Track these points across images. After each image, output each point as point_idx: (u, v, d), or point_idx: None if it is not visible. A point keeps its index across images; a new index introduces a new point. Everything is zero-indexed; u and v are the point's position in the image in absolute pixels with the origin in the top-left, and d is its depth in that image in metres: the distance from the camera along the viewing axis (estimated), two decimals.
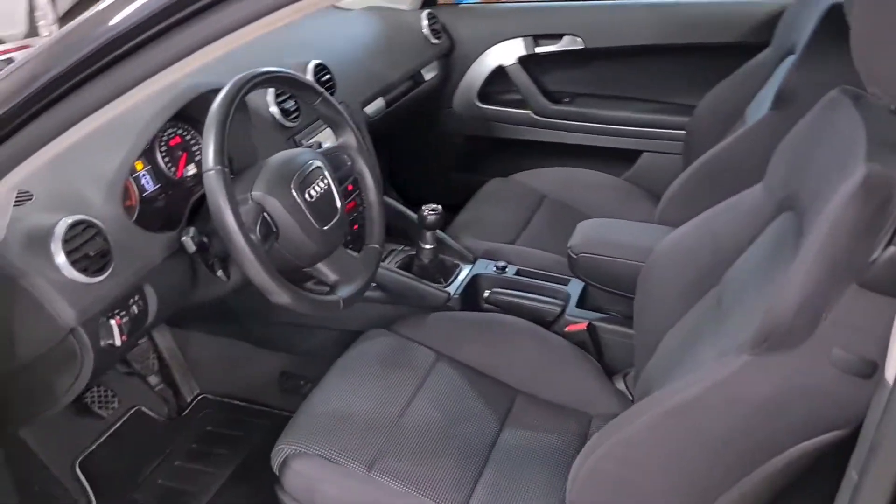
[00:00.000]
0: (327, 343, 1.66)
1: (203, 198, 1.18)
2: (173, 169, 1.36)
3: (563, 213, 2.00)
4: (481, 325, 1.53)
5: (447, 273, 1.70)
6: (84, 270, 1.02)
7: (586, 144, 2.27)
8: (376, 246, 1.35)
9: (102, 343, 1.08)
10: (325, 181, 1.24)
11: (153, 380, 1.75)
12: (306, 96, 1.31)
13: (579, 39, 2.17)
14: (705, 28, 2.04)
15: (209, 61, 1.55)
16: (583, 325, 1.49)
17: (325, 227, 1.22)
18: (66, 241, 1.01)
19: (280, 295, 1.11)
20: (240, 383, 1.84)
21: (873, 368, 0.74)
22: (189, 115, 1.34)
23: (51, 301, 1.00)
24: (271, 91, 1.50)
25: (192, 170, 1.40)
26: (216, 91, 1.14)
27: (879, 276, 0.71)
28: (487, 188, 2.10)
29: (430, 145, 2.47)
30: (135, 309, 1.13)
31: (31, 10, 2.25)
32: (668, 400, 0.88)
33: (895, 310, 0.70)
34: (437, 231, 1.69)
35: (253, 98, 1.46)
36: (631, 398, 1.40)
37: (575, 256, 1.48)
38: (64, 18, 2.28)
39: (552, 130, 2.28)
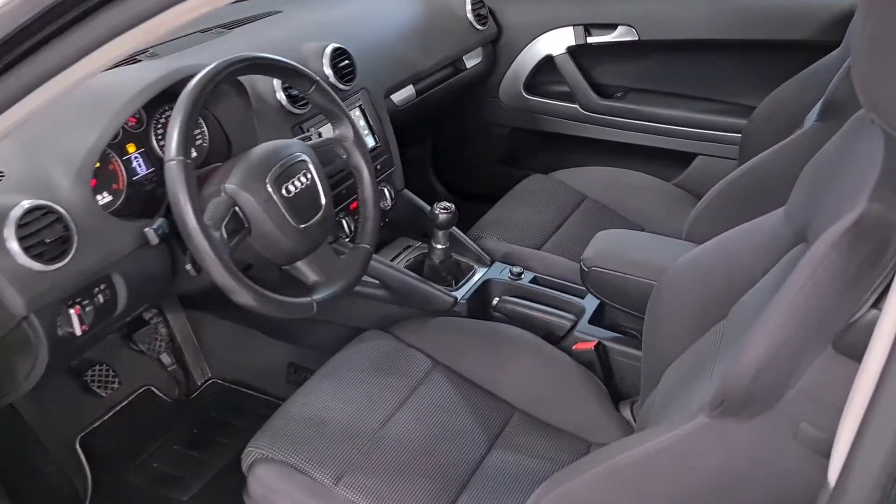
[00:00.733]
0: (332, 337, 1.61)
1: None
2: None
3: (601, 216, 1.87)
4: (484, 335, 1.44)
5: (460, 275, 1.61)
6: (39, 257, 0.99)
7: (635, 144, 2.11)
8: (366, 246, 1.28)
9: (60, 332, 1.05)
10: (309, 175, 1.17)
11: (166, 359, 1.75)
12: (299, 84, 1.24)
13: (634, 31, 2.02)
14: (771, 23, 1.85)
15: (208, 43, 1.50)
16: (591, 345, 1.38)
17: (304, 225, 1.15)
18: (21, 227, 0.98)
19: (241, 294, 1.05)
20: (250, 371, 1.82)
21: None
22: None
23: (1, 288, 0.97)
24: None
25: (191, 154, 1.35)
26: None
27: (859, 340, 0.58)
28: (524, 185, 1.99)
29: (474, 135, 2.37)
30: (100, 298, 1.10)
31: None
32: (623, 453, 0.78)
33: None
34: (454, 229, 1.61)
35: (258, 82, 1.40)
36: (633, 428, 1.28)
37: (587, 269, 1.36)
38: None
39: (599, 127, 2.14)
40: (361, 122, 1.62)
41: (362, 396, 1.28)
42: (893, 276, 0.57)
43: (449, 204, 1.51)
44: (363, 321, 1.56)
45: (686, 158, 2.05)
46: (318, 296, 1.15)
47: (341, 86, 1.55)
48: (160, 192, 1.28)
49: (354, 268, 1.24)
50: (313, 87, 1.24)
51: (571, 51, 2.12)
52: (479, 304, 1.56)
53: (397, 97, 1.80)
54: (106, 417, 1.65)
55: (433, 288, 1.52)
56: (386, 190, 1.67)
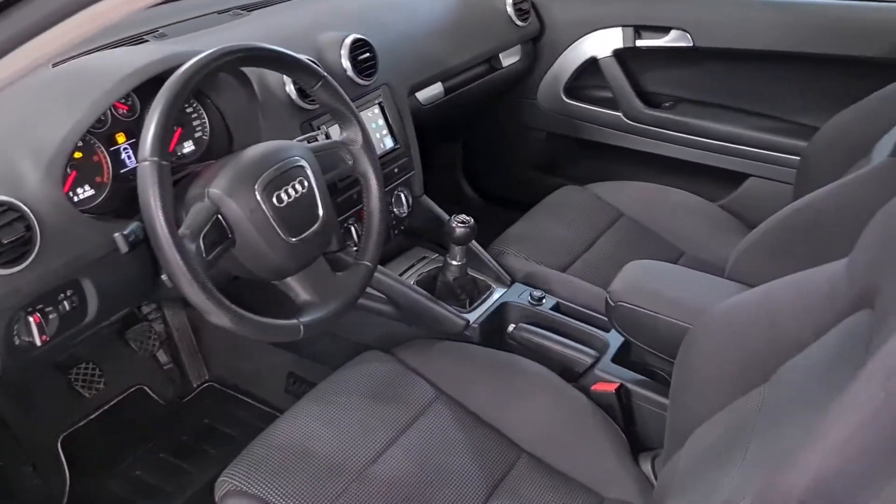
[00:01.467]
0: (335, 350, 1.50)
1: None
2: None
3: (637, 237, 1.71)
4: (495, 366, 1.31)
5: (476, 294, 1.47)
6: None
7: (681, 159, 1.94)
8: (367, 264, 1.16)
9: (17, 341, 0.95)
10: (306, 183, 1.05)
11: (162, 357, 1.66)
12: (303, 79, 1.11)
13: (688, 36, 1.85)
14: (842, 37, 1.66)
15: (223, 25, 1.38)
16: (612, 387, 1.23)
17: (296, 239, 1.03)
18: None
19: (216, 315, 0.94)
20: (248, 377, 1.72)
21: None
22: None
23: None
24: None
25: (187, 146, 1.24)
26: None
27: None
28: (555, 197, 1.83)
29: (508, 138, 2.22)
30: (66, 305, 0.99)
31: None
32: None
33: None
34: (473, 243, 1.47)
35: (267, 73, 1.28)
36: (653, 486, 1.14)
37: (613, 304, 1.21)
38: None
39: (643, 138, 1.97)
40: (380, 122, 1.49)
41: (354, 426, 1.16)
42: None
43: (468, 218, 1.38)
44: (365, 337, 1.44)
45: (736, 179, 1.88)
46: (305, 318, 1.03)
47: (360, 80, 1.42)
48: None
49: (351, 288, 1.12)
50: (319, 84, 1.11)
51: (618, 54, 1.96)
52: (493, 330, 1.42)
53: (423, 95, 1.66)
54: (93, 417, 1.56)
55: (444, 308, 1.39)
56: (403, 195, 1.54)
